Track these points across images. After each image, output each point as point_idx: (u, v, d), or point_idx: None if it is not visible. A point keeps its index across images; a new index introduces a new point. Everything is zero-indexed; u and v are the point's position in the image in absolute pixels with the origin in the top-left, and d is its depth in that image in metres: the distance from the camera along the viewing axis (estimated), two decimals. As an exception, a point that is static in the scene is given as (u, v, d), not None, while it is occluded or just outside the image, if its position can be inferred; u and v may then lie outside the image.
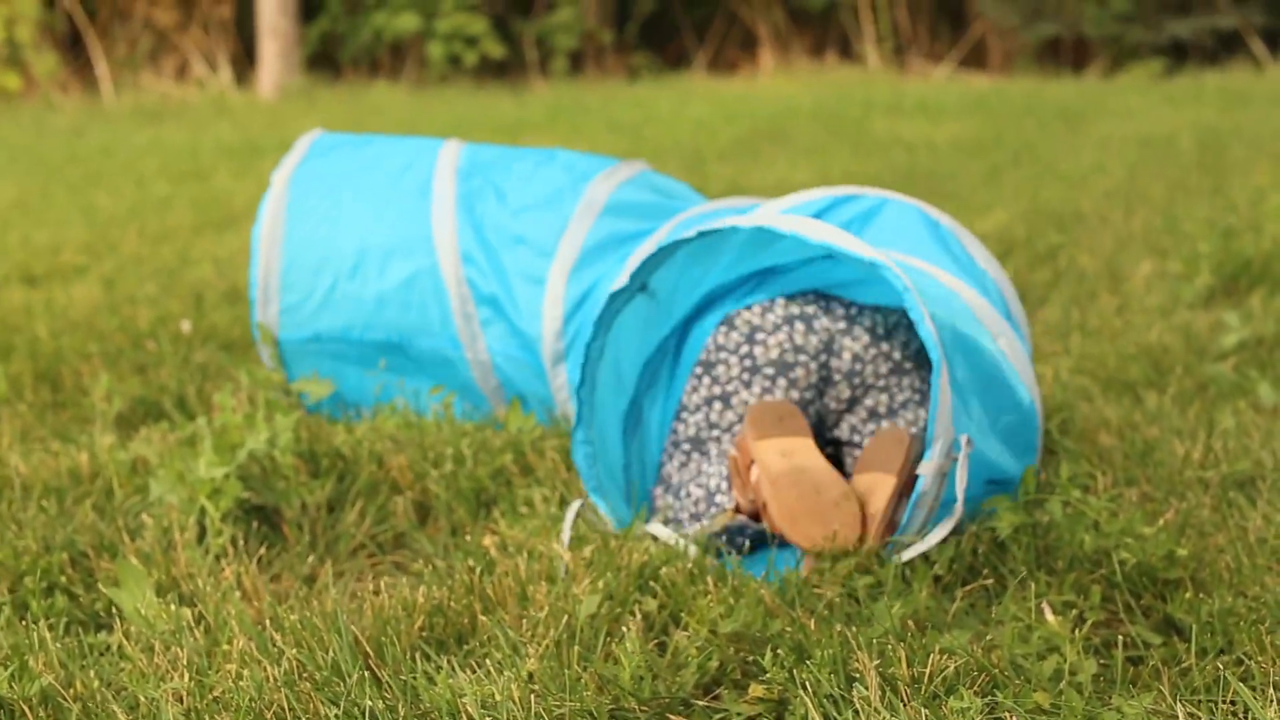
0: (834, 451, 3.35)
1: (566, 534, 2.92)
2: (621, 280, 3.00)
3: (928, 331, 2.69)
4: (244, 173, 9.75)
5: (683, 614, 2.62)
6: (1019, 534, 2.81)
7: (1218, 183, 7.74)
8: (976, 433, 2.84)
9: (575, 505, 3.02)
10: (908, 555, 2.74)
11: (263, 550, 3.01)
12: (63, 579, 2.87)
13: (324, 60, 18.88)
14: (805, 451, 2.96)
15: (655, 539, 3.00)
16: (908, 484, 2.95)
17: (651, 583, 2.74)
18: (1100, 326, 4.71)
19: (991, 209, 7.12)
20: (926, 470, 2.71)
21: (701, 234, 2.90)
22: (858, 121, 11.96)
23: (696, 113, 13.10)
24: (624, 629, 2.54)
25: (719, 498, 3.10)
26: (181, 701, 2.36)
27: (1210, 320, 4.70)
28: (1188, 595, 2.58)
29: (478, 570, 2.76)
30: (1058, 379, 4.08)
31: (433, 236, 3.79)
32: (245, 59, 18.41)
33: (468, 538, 3.08)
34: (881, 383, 3.21)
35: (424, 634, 2.59)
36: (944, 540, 2.82)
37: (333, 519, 3.22)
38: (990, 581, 2.73)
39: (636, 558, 2.79)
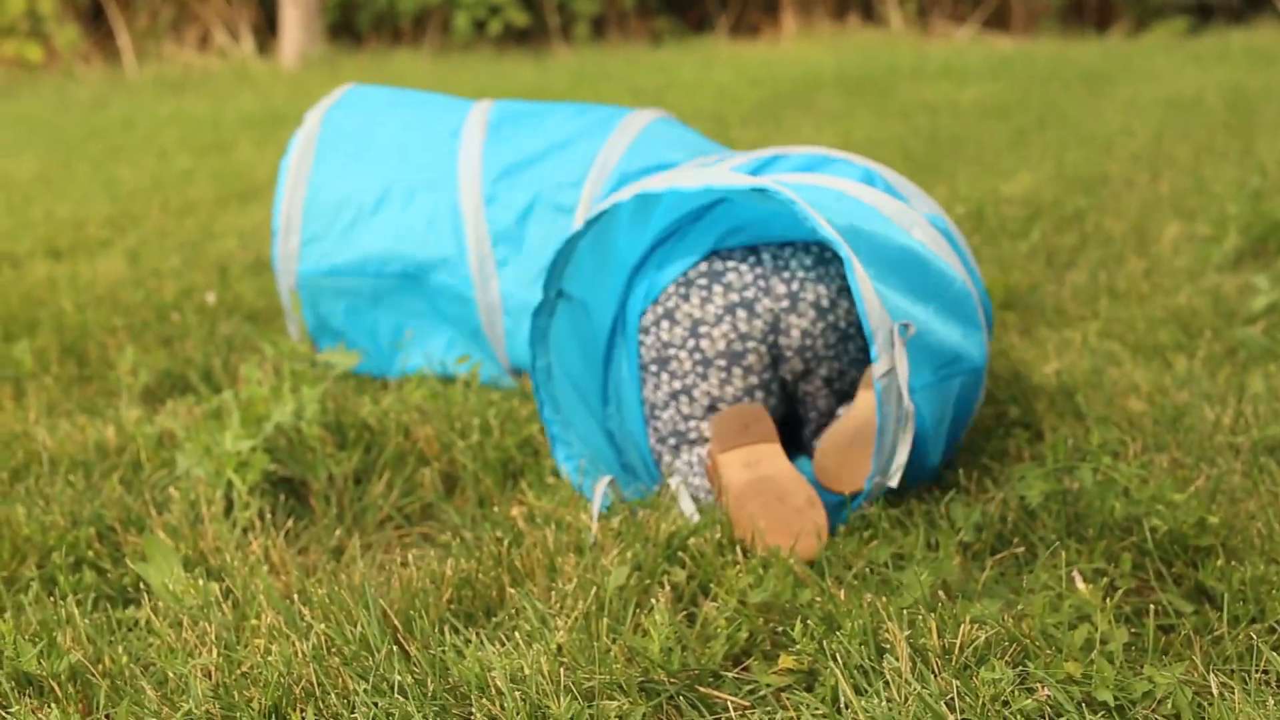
0: (799, 412, 3.35)
1: (596, 507, 2.91)
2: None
3: (826, 231, 2.67)
4: (266, 143, 9.74)
5: (711, 584, 2.62)
6: (1049, 501, 2.80)
7: (1246, 144, 7.68)
8: (906, 316, 2.81)
9: (604, 480, 3.01)
10: (893, 482, 2.75)
11: (290, 523, 3.01)
12: (90, 554, 2.87)
13: (344, 29, 18.84)
14: (770, 459, 2.93)
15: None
16: None
17: (680, 553, 2.73)
18: (1128, 290, 4.68)
19: (1017, 173, 7.08)
20: (877, 369, 2.69)
21: (589, 223, 2.91)
22: (881, 85, 11.91)
23: (719, 78, 13.05)
24: (653, 600, 2.53)
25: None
26: (210, 677, 2.36)
27: (1239, 283, 4.67)
28: (1219, 563, 2.56)
29: (505, 542, 2.75)
30: (1086, 343, 4.06)
31: (458, 174, 3.79)
32: (267, 28, 18.39)
33: (495, 509, 3.08)
34: (832, 352, 3.17)
35: (452, 606, 2.58)
36: (966, 505, 2.82)
37: (359, 491, 3.21)
38: (1020, 550, 2.71)
39: (665, 528, 2.78)
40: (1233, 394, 3.50)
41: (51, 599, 2.67)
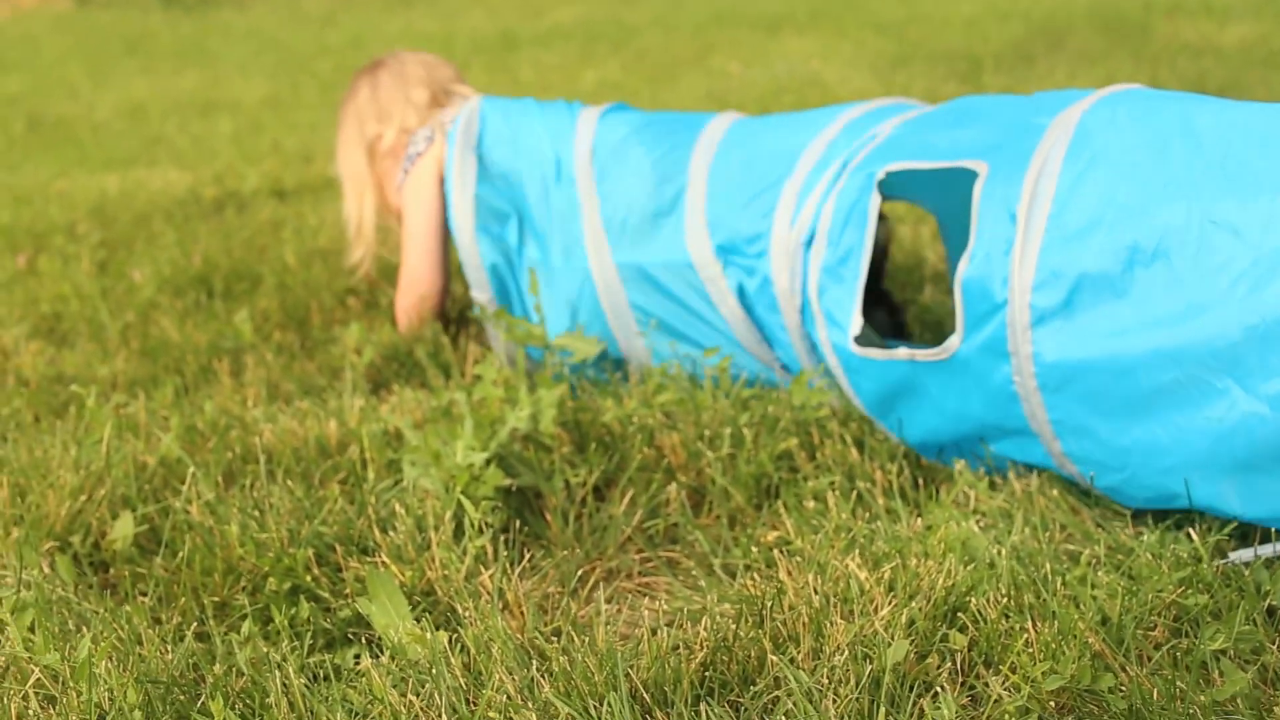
0: None
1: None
2: None
3: None
4: (496, 69, 9.50)
5: (996, 653, 2.28)
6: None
7: None
8: None
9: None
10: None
11: (525, 554, 2.73)
12: (308, 580, 2.60)
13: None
14: None
15: None
16: None
17: (959, 614, 2.39)
18: None
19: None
20: None
21: None
22: (1138, 23, 11.30)
23: (966, 11, 12.51)
24: (935, 683, 2.21)
25: None
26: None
27: None
28: None
29: (768, 603, 2.42)
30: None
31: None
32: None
33: (749, 531, 2.78)
34: None
35: (706, 673, 2.27)
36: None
37: (599, 506, 2.94)
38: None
39: (941, 581, 2.44)
40: None
41: (267, 641, 2.43)
